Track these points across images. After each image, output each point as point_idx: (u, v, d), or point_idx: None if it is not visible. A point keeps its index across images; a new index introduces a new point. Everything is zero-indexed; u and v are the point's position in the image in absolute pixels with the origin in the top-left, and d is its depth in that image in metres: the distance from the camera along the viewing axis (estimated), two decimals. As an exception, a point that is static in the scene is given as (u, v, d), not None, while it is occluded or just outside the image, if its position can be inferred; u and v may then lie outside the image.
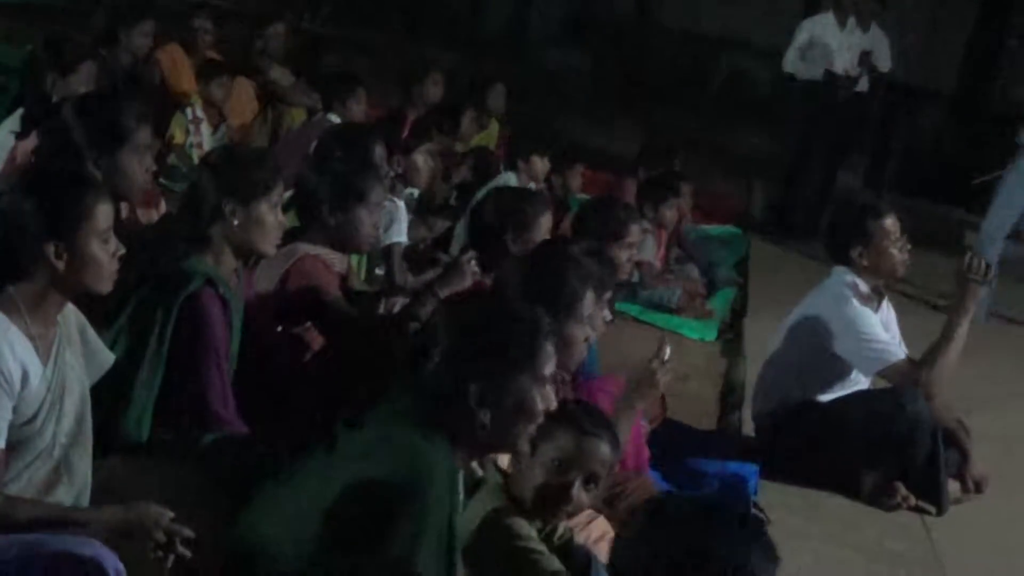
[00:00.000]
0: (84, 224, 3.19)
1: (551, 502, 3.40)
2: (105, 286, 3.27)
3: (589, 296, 4.06)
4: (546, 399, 3.05)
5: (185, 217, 4.13)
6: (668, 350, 4.27)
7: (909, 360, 5.46)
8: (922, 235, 10.97)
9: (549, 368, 3.07)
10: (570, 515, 3.55)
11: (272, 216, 4.12)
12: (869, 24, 10.90)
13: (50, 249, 3.15)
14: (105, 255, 3.24)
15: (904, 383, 5.42)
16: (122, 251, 3.29)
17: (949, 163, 12.55)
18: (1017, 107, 15.61)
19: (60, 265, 3.17)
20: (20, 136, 5.60)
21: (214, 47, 9.55)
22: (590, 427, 3.45)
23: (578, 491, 3.41)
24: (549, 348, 3.07)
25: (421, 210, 7.83)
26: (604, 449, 3.45)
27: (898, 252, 5.55)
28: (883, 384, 5.67)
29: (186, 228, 4.08)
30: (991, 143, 14.72)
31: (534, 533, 3.33)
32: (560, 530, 3.50)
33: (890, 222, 5.56)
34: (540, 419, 3.07)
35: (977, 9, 15.19)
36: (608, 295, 4.49)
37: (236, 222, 4.04)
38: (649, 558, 2.34)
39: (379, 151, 6.01)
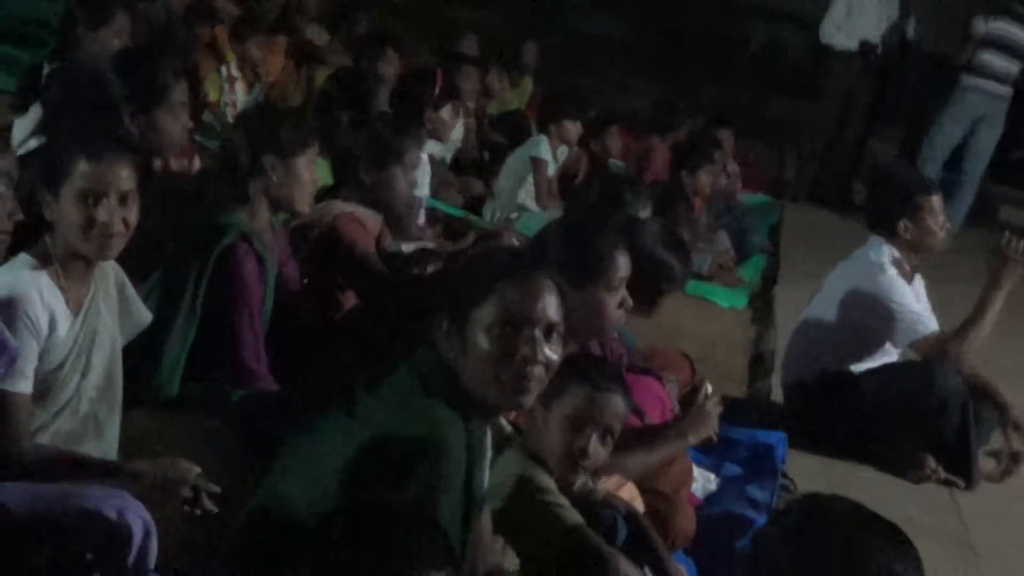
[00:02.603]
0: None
1: (569, 458, 3.42)
2: None
3: (622, 262, 4.02)
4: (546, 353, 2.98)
5: (222, 173, 4.14)
6: (709, 387, 4.26)
7: (941, 333, 5.45)
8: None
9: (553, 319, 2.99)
10: (592, 471, 3.56)
11: (308, 173, 4.16)
12: None
13: None
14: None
15: (935, 355, 5.40)
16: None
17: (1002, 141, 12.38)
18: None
19: None
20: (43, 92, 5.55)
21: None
22: (602, 382, 3.46)
23: (595, 446, 3.44)
24: (555, 307, 2.99)
25: (454, 169, 7.85)
26: (617, 402, 3.47)
27: (940, 230, 5.53)
28: (914, 357, 5.65)
29: (223, 183, 4.10)
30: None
31: (554, 486, 3.34)
32: (578, 483, 3.52)
33: (937, 199, 5.55)
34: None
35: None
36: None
37: (275, 178, 4.06)
38: (799, 559, 2.32)
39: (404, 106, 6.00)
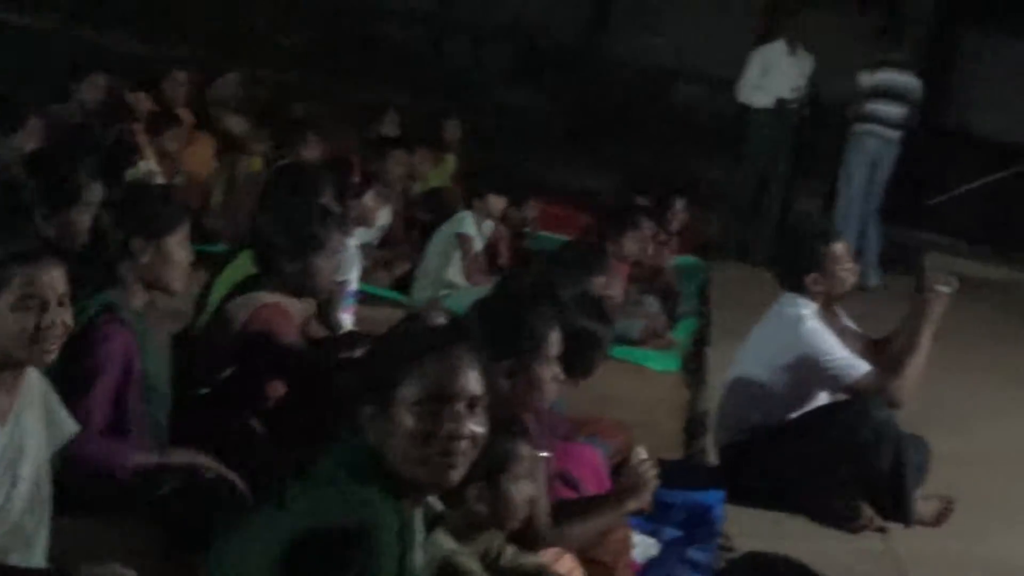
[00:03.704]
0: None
1: (482, 524, 3.51)
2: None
3: (554, 336, 4.07)
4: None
5: (93, 255, 4.12)
6: (643, 452, 4.29)
7: (874, 371, 5.49)
8: (883, 257, 11.34)
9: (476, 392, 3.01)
10: (514, 527, 3.61)
11: (182, 252, 4.13)
12: (811, 49, 11.18)
13: None
14: None
15: (874, 394, 5.45)
16: None
17: (905, 184, 12.65)
18: (967, 127, 15.91)
19: None
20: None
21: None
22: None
23: (510, 491, 3.53)
24: (476, 380, 3.02)
25: (381, 249, 7.86)
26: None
27: (848, 275, 5.63)
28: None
29: (94, 267, 4.07)
30: (947, 162, 14.96)
31: (479, 568, 3.38)
32: (507, 554, 3.56)
33: (839, 246, 5.65)
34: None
35: (926, 30, 15.43)
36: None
37: (145, 259, 4.05)
38: None
39: (329, 194, 6.02)
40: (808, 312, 5.54)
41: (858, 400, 5.49)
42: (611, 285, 7.64)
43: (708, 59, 15.97)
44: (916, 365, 5.44)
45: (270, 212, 5.08)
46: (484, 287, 6.77)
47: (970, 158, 15.27)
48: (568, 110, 16.73)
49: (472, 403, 2.90)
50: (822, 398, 5.71)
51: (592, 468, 4.70)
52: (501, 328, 3.94)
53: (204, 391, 4.66)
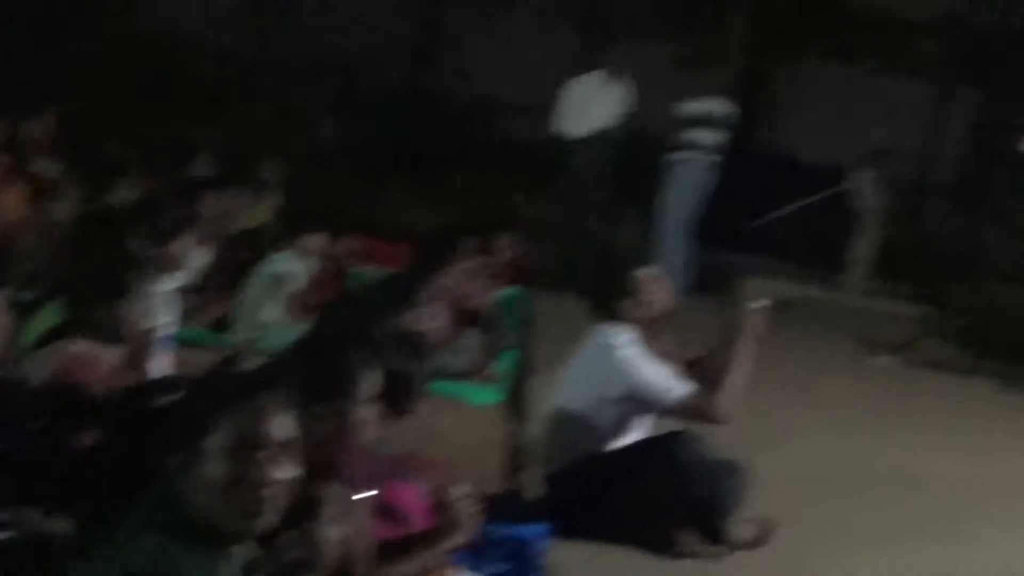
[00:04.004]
0: None
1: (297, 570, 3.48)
2: None
3: (371, 376, 4.04)
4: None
5: None
6: (465, 488, 4.30)
7: (695, 391, 5.56)
8: (701, 281, 11.56)
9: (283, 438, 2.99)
10: (330, 570, 3.58)
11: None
12: (628, 78, 11.36)
13: None
14: None
15: (696, 415, 5.52)
16: None
17: (725, 207, 12.89)
18: (785, 151, 16.31)
19: None
20: None
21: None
22: None
23: (323, 535, 3.54)
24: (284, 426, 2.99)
25: (199, 292, 7.72)
26: None
27: (661, 299, 5.71)
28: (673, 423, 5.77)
29: None
30: (765, 185, 15.30)
31: None
32: None
33: (650, 272, 5.73)
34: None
35: (743, 56, 15.83)
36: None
37: None
38: None
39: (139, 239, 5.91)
40: (624, 340, 5.60)
41: (674, 434, 5.57)
42: (432, 319, 7.64)
43: (531, 91, 16.09)
44: (736, 382, 5.52)
45: (78, 259, 4.99)
46: (301, 326, 6.73)
47: (788, 181, 15.63)
48: (391, 145, 16.70)
49: (280, 449, 2.88)
50: (645, 423, 5.79)
51: (415, 505, 4.68)
52: (316, 370, 3.90)
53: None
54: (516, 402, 7.77)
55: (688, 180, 11.55)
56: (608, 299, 5.71)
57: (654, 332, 5.79)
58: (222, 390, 2.97)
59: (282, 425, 2.90)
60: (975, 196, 14.95)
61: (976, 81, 15.02)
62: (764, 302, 5.56)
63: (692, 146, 11.47)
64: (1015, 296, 11.86)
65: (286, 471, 2.88)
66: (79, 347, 4.64)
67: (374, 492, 4.16)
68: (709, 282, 11.67)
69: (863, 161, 14.64)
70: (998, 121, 15.07)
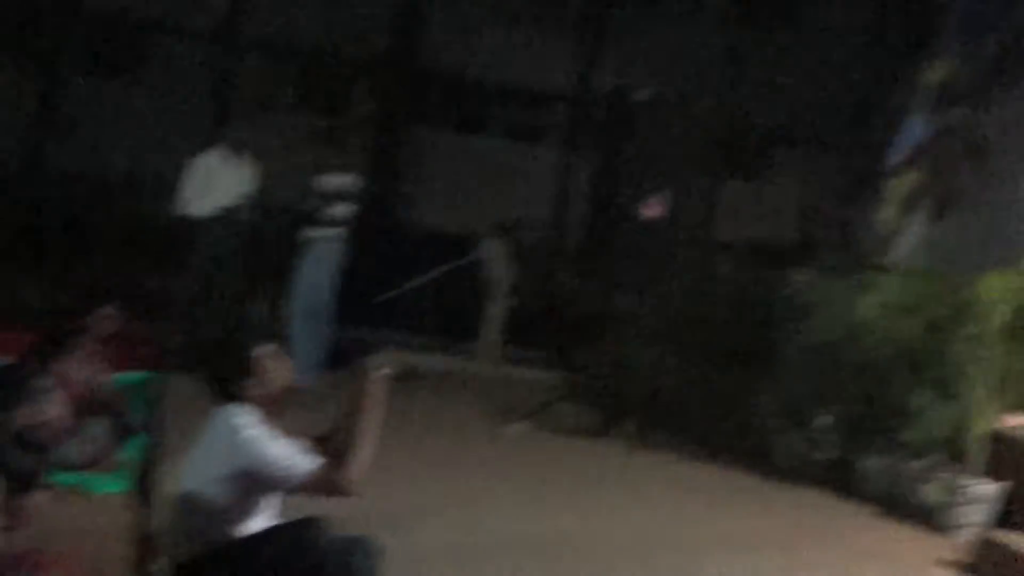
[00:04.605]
0: None
1: None
2: None
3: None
4: None
5: None
6: None
7: (322, 466, 5.46)
8: (337, 357, 11.51)
9: None
10: None
11: None
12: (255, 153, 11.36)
13: None
14: None
15: (325, 491, 5.42)
16: None
17: (357, 281, 12.94)
18: (416, 222, 16.52)
19: None
20: None
21: None
22: None
23: None
24: None
25: None
26: None
27: (281, 374, 5.63)
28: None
29: None
30: (398, 257, 15.45)
31: None
32: None
33: (265, 349, 5.64)
34: None
35: (372, 129, 16.00)
36: None
37: None
38: None
39: None
40: (246, 420, 5.48)
41: (302, 521, 5.49)
42: (51, 409, 7.31)
43: (162, 167, 15.80)
44: (363, 455, 5.45)
45: None
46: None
47: (421, 253, 15.84)
48: (8, 224, 16.06)
49: None
50: (274, 504, 5.67)
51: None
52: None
53: None
54: (144, 490, 7.50)
55: (322, 255, 11.57)
56: (229, 379, 5.59)
57: (278, 410, 5.68)
58: None
59: None
60: (600, 260, 15.48)
61: (598, 148, 15.62)
62: (386, 372, 5.54)
63: (326, 221, 11.49)
64: (642, 357, 12.27)
65: None
66: None
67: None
68: (344, 358, 11.61)
69: (492, 230, 14.98)
70: (619, 187, 15.69)
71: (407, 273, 15.35)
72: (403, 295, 14.98)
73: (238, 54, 17.62)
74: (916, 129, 13.48)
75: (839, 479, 10.68)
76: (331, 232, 11.53)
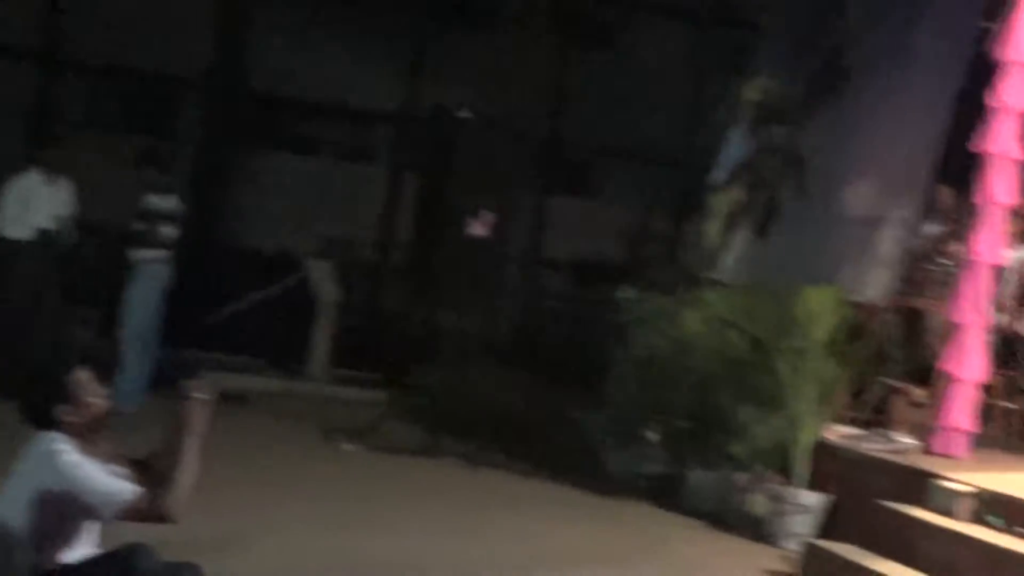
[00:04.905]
0: None
1: None
2: None
3: None
4: None
5: None
6: None
7: (142, 492, 5.32)
8: (163, 379, 11.30)
9: None
10: None
11: None
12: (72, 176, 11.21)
13: None
14: None
15: (147, 518, 5.30)
16: None
17: (185, 303, 12.74)
18: (241, 242, 16.32)
19: None
20: None
21: None
22: None
23: None
24: None
25: None
26: None
27: (98, 401, 5.48)
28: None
29: None
30: (225, 278, 15.25)
31: None
32: None
33: (81, 372, 5.49)
34: None
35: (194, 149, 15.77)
36: None
37: None
38: None
39: None
40: (63, 447, 5.33)
41: (132, 543, 5.36)
42: None
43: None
44: (185, 479, 5.33)
45: None
46: None
47: (249, 274, 15.65)
48: None
49: None
50: (94, 532, 5.53)
51: None
52: None
53: None
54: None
55: (150, 277, 11.39)
56: (45, 405, 5.42)
57: (95, 435, 5.53)
58: None
59: None
60: (428, 279, 15.44)
61: (423, 166, 15.60)
62: (206, 395, 5.43)
63: (153, 242, 11.33)
64: (468, 374, 12.29)
65: None
66: None
67: None
68: (170, 380, 11.43)
69: (319, 250, 14.88)
70: (446, 205, 15.69)
71: (236, 295, 15.16)
72: (232, 316, 14.79)
73: (58, 73, 17.21)
74: (739, 146, 13.74)
75: (669, 493, 10.83)
76: (159, 254, 11.37)
